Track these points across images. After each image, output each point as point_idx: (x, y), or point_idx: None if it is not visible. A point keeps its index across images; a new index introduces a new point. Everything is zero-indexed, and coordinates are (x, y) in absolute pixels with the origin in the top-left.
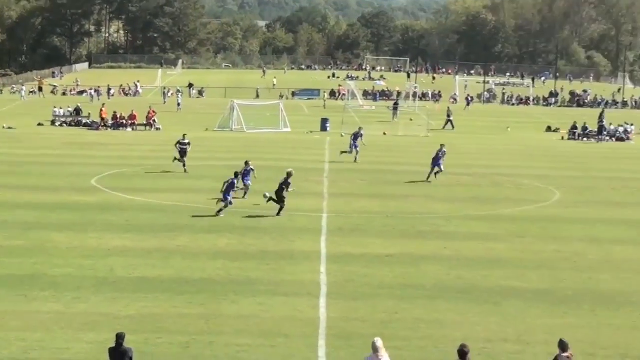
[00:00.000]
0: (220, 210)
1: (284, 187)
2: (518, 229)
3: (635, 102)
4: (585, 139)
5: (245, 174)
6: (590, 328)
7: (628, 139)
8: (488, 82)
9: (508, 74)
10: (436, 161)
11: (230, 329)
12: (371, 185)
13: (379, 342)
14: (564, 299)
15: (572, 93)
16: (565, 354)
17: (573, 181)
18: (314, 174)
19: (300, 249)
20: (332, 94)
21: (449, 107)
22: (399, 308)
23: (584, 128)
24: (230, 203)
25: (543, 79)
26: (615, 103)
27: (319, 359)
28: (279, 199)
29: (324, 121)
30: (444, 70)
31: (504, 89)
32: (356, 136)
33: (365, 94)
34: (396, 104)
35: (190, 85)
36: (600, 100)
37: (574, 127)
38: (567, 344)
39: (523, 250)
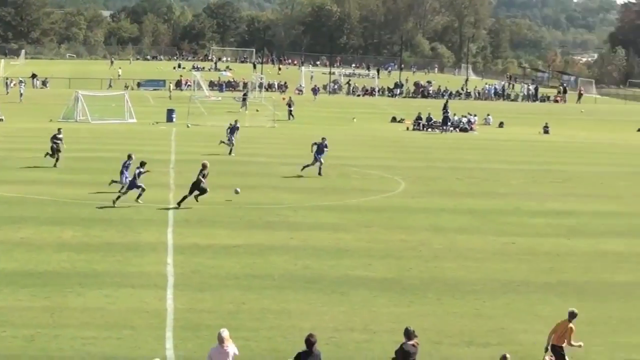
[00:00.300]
0: (139, 196)
1: (201, 178)
2: (365, 219)
3: (479, 93)
4: (429, 130)
5: (127, 166)
6: (436, 316)
7: (471, 129)
8: (334, 73)
9: (353, 65)
10: (319, 154)
11: (75, 322)
12: (217, 176)
13: (225, 333)
14: (410, 287)
15: (416, 84)
16: (410, 342)
17: (418, 171)
18: (160, 165)
19: (146, 240)
20: (178, 84)
21: (290, 97)
22: (246, 298)
23: (429, 119)
24: (143, 189)
25: (389, 69)
26: (458, 94)
27: (166, 351)
28: (198, 188)
29: (170, 112)
30: (290, 61)
31: (349, 79)
32: (232, 129)
33: (211, 84)
34: (245, 94)
35: (34, 76)
36: (444, 91)
37: (419, 118)
38: (413, 332)
39: (370, 239)
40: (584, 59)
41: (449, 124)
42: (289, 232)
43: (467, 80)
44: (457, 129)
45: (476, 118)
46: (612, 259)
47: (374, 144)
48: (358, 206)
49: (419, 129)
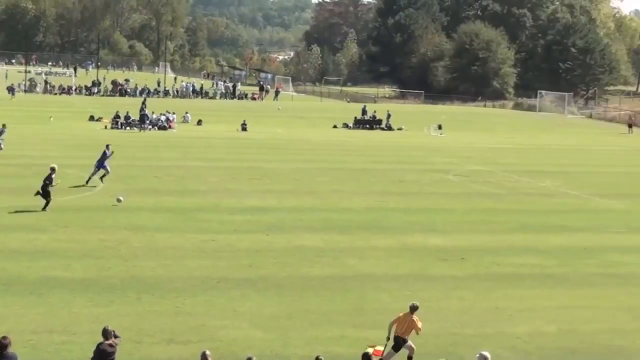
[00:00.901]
0: None
1: (47, 182)
2: (62, 219)
3: (177, 91)
4: (128, 128)
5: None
6: (136, 315)
7: (170, 127)
8: (29, 72)
9: (50, 63)
10: (101, 162)
11: None
12: None
13: None
14: (109, 287)
15: (114, 82)
16: (107, 342)
17: (116, 170)
18: None
19: None
20: None
21: None
22: None
23: (127, 117)
24: None
25: (87, 67)
26: (157, 92)
27: None
28: (45, 194)
29: None
30: None
31: (46, 78)
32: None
33: None
34: None
35: None
36: (142, 90)
37: (117, 116)
38: (111, 332)
39: (68, 240)
40: (281, 57)
41: (147, 122)
42: None
43: (175, 78)
44: (156, 127)
45: (175, 116)
46: (309, 254)
47: (72, 143)
48: (55, 206)
49: (117, 128)
